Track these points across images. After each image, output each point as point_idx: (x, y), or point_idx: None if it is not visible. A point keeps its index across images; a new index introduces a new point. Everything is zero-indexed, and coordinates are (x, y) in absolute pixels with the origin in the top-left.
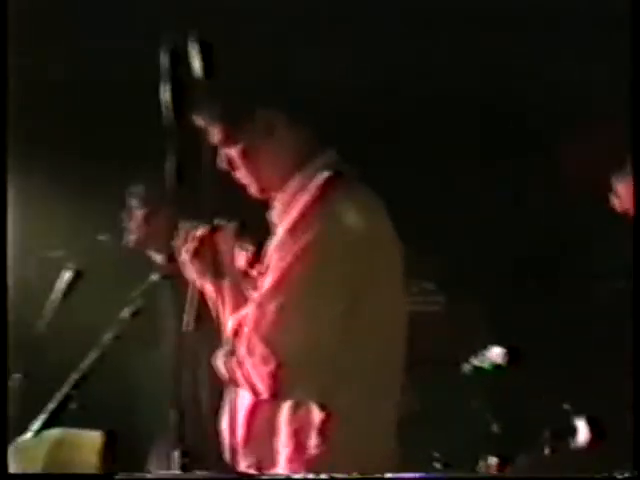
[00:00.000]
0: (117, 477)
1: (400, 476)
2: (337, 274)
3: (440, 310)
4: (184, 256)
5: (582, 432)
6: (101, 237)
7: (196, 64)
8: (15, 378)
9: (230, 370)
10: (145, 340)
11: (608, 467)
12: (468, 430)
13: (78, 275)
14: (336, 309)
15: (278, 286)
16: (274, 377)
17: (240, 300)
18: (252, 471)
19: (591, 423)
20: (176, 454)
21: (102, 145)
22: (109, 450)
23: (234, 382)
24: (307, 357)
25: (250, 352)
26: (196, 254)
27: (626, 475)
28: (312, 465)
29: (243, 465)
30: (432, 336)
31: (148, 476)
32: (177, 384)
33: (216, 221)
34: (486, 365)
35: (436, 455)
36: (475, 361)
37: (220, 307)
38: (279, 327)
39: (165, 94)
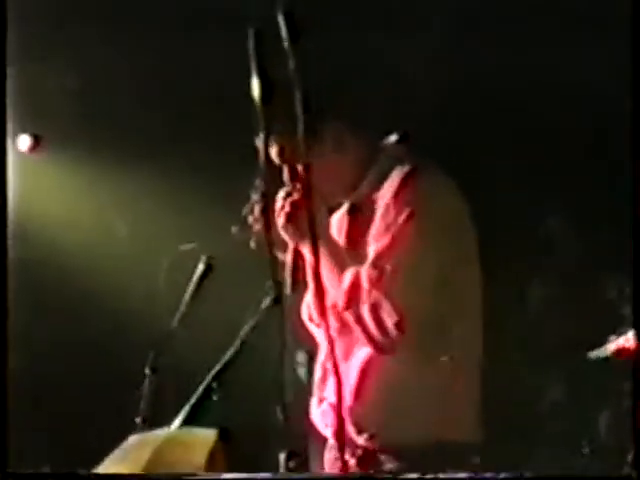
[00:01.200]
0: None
1: (404, 476)
2: (440, 238)
3: None
4: (279, 221)
5: None
6: (233, 229)
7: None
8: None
9: (346, 324)
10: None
11: None
12: None
13: (210, 267)
14: (445, 267)
15: (391, 248)
16: (398, 329)
17: (340, 261)
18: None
19: None
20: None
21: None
22: (221, 450)
23: (347, 336)
24: (428, 310)
25: (372, 308)
26: (290, 219)
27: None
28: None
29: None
30: None
31: (150, 476)
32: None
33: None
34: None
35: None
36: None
37: (320, 269)
38: (399, 284)
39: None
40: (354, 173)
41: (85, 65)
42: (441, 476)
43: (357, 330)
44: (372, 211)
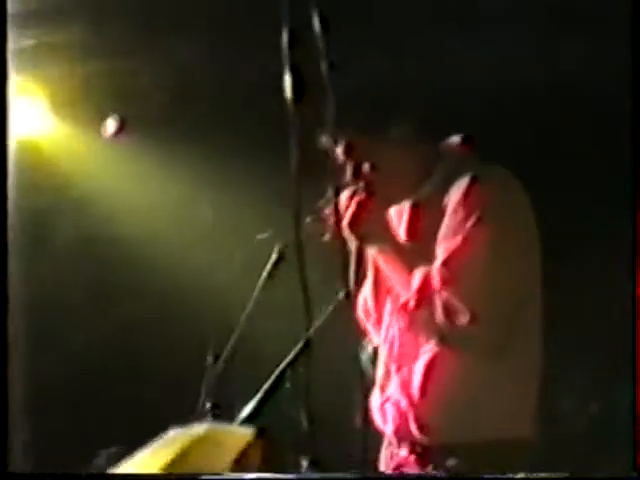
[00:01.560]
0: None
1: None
2: (509, 239)
3: None
4: (344, 220)
5: None
6: (307, 220)
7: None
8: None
9: (414, 323)
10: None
11: None
12: None
13: (282, 257)
14: (512, 267)
15: (461, 248)
16: (471, 324)
17: (408, 262)
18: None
19: None
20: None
21: None
22: (258, 448)
23: (412, 335)
24: (497, 310)
25: (444, 307)
26: (355, 219)
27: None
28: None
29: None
30: None
31: (151, 476)
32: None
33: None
34: None
35: None
36: None
37: (388, 270)
38: (470, 284)
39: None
40: (418, 173)
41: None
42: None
43: (429, 327)
44: (437, 211)
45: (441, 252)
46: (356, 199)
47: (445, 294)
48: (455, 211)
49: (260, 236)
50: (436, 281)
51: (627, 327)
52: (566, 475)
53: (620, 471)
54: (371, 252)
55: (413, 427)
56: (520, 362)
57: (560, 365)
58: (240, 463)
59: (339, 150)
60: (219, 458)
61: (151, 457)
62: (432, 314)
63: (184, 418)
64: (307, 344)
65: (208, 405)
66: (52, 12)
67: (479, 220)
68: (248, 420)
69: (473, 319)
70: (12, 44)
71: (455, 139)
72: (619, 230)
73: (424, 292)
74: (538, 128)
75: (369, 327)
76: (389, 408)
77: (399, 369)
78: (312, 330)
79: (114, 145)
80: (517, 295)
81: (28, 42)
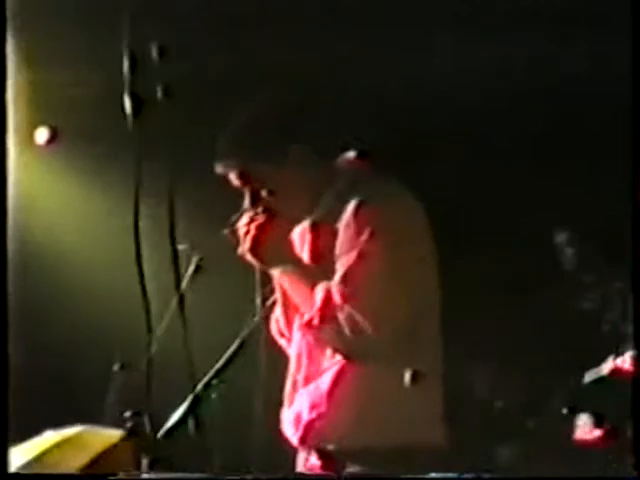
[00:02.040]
0: (116, 477)
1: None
2: (403, 252)
3: None
4: (245, 246)
5: None
6: (224, 232)
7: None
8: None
9: (321, 339)
10: None
11: None
12: None
13: (199, 268)
14: (409, 278)
15: (358, 264)
16: (374, 335)
17: (311, 281)
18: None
19: None
20: None
21: None
22: (124, 450)
23: (324, 348)
24: (397, 320)
25: (348, 322)
26: (256, 243)
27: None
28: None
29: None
30: None
31: (147, 476)
32: None
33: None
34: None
35: None
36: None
37: (291, 290)
38: (369, 297)
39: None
40: (314, 192)
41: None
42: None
43: (334, 342)
44: (334, 228)
45: (338, 268)
46: (255, 223)
47: (346, 309)
48: (348, 227)
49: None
50: (336, 297)
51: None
52: (566, 475)
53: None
54: (275, 274)
55: (318, 436)
56: (423, 369)
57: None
58: (99, 463)
59: (234, 177)
60: (77, 457)
61: (18, 453)
62: (336, 329)
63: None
64: (236, 351)
65: (128, 414)
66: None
67: (372, 234)
68: (174, 428)
69: (374, 331)
70: None
71: (350, 154)
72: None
73: (326, 308)
74: (430, 138)
75: (284, 345)
76: (295, 420)
77: (306, 382)
78: (240, 339)
79: (46, 154)
80: (416, 305)
81: None
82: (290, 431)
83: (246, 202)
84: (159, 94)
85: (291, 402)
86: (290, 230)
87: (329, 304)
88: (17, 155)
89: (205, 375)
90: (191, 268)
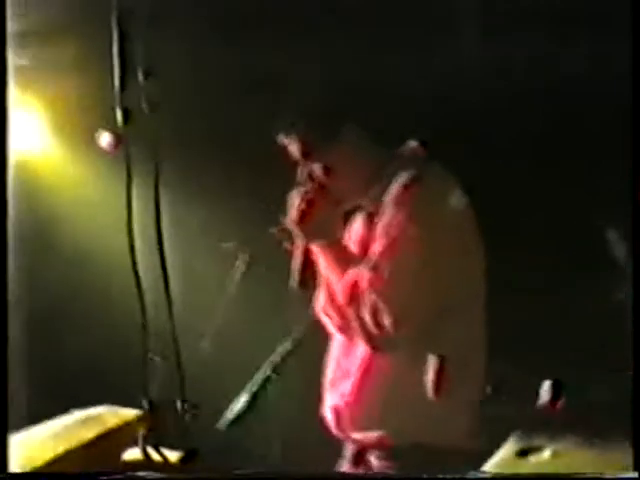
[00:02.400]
0: (116, 477)
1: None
2: (438, 241)
3: None
4: (292, 217)
5: None
6: (271, 230)
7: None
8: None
9: (347, 320)
10: None
11: None
12: None
13: (249, 266)
14: (443, 271)
15: (390, 249)
16: (394, 329)
17: (347, 260)
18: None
19: None
20: None
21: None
22: (139, 428)
23: (346, 332)
24: (422, 313)
25: (370, 309)
26: (303, 216)
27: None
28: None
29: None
30: None
31: (148, 476)
32: None
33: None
34: None
35: None
36: None
37: (326, 267)
38: (396, 287)
39: None
40: (368, 177)
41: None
42: (440, 476)
43: (356, 327)
44: (380, 215)
45: (372, 252)
46: (306, 197)
47: (371, 296)
48: (388, 211)
49: (225, 245)
50: (364, 282)
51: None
52: (566, 474)
53: None
54: (315, 249)
55: (349, 425)
56: (456, 371)
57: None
58: (112, 435)
59: (294, 149)
60: (92, 429)
61: (45, 428)
62: (359, 315)
63: None
64: (295, 347)
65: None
66: (49, 32)
67: (408, 220)
68: (235, 421)
69: (394, 325)
70: (11, 62)
71: (411, 144)
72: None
73: (353, 292)
74: (487, 132)
75: (327, 323)
76: (331, 408)
77: (340, 367)
78: (293, 336)
79: (109, 158)
80: (445, 299)
81: (26, 60)
82: (328, 418)
83: (300, 175)
84: None
85: (332, 386)
86: (338, 208)
87: (357, 288)
88: (79, 157)
89: (259, 369)
90: (241, 266)
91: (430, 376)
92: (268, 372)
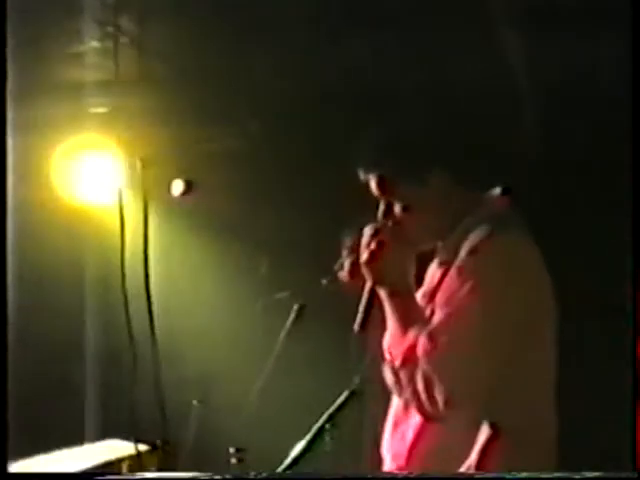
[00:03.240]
0: (116, 477)
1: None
2: (505, 314)
3: None
4: (362, 257)
5: None
6: (324, 280)
7: None
8: None
9: (401, 385)
10: None
11: None
12: None
13: (301, 310)
14: (505, 345)
15: (450, 320)
16: (446, 406)
17: (411, 315)
18: None
19: None
20: None
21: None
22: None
23: (400, 393)
24: (475, 392)
25: (423, 380)
26: (374, 256)
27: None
28: None
29: None
30: None
31: (148, 476)
32: None
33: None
34: None
35: None
36: None
37: (390, 316)
38: (451, 361)
39: None
40: (447, 222)
41: None
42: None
43: (408, 391)
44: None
45: (435, 319)
46: (377, 238)
47: (425, 366)
48: (455, 275)
49: (279, 295)
50: (420, 350)
51: None
52: (566, 475)
53: None
54: (382, 294)
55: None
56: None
57: None
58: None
59: (373, 183)
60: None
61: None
62: (411, 380)
63: None
64: (350, 396)
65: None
66: (128, 81)
67: (473, 291)
68: (290, 467)
69: (448, 401)
70: (91, 109)
71: (495, 191)
72: None
73: (410, 354)
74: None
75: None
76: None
77: (395, 426)
78: (351, 387)
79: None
80: (502, 372)
81: (104, 108)
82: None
83: (379, 212)
84: None
85: (387, 441)
86: (412, 252)
87: (412, 353)
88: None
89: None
90: (292, 315)
91: (478, 447)
92: (324, 421)
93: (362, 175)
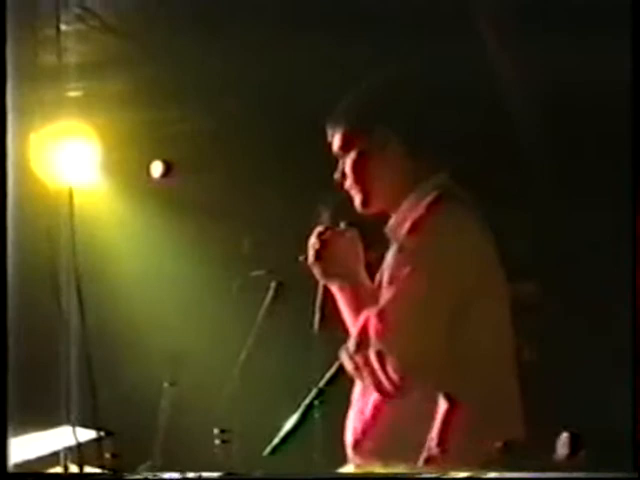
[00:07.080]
0: (115, 477)
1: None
2: (447, 288)
3: None
4: (309, 256)
5: None
6: (300, 258)
7: None
8: None
9: (357, 366)
10: None
11: None
12: None
13: (279, 288)
14: (447, 319)
15: (397, 298)
16: (401, 381)
17: (362, 303)
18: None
19: None
20: None
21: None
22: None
23: (360, 376)
24: (428, 363)
25: (377, 358)
26: (319, 255)
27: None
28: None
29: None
30: None
31: (146, 476)
32: None
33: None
34: None
35: None
36: None
37: (343, 308)
38: (401, 338)
39: None
40: (396, 192)
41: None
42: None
43: (365, 373)
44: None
45: (382, 295)
46: (321, 237)
47: (378, 345)
48: (396, 254)
49: (255, 273)
50: (371, 330)
51: None
52: (566, 475)
53: None
54: (333, 289)
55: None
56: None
57: None
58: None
59: (337, 140)
60: None
61: None
62: (367, 360)
63: None
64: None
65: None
66: (101, 64)
67: (415, 269)
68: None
69: (403, 375)
70: (65, 93)
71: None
72: None
73: (362, 337)
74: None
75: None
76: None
77: (357, 402)
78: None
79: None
80: (457, 343)
81: (79, 92)
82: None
83: (336, 172)
84: None
85: (350, 418)
86: (359, 246)
87: (366, 333)
88: (133, 188)
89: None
90: (270, 293)
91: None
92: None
93: (329, 135)
